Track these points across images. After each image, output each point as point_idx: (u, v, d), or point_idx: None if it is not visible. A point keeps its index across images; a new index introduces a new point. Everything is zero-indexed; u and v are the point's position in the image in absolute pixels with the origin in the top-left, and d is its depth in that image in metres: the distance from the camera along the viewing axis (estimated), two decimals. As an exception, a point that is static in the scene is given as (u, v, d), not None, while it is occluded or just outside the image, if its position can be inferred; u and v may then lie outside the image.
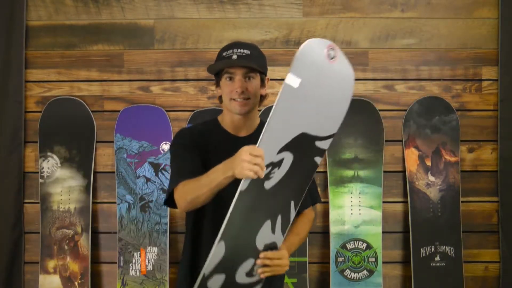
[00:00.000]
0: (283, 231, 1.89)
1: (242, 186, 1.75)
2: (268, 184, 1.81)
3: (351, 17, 3.16)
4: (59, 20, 3.17)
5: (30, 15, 3.16)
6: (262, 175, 1.68)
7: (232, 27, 3.15)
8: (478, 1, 3.15)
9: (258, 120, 2.04)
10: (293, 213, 1.89)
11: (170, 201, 1.94)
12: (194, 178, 1.83)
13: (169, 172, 1.99)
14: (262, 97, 2.01)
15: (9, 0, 3.12)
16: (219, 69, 1.94)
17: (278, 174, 1.81)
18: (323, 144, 1.87)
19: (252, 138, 1.90)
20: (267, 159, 1.73)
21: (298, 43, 3.14)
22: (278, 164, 1.80)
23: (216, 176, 1.75)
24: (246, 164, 1.65)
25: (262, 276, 1.87)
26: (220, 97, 2.00)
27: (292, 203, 1.88)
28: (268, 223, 1.85)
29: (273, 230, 1.86)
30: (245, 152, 1.67)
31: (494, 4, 3.15)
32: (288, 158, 1.81)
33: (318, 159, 1.87)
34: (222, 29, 3.15)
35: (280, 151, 1.79)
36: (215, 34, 3.15)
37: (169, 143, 3.06)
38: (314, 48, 1.77)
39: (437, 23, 3.16)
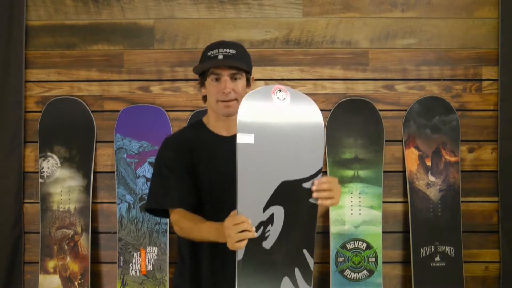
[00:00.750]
0: (308, 282, 1.79)
1: (238, 256, 1.69)
2: (267, 244, 1.73)
3: (351, 17, 3.15)
4: (59, 20, 3.16)
5: (30, 15, 3.16)
6: (255, 235, 1.65)
7: (232, 27, 3.15)
8: (478, 1, 3.15)
9: None
10: (311, 261, 1.79)
11: (151, 210, 1.97)
12: (190, 219, 1.82)
13: (152, 180, 1.95)
14: None
15: (9, 0, 3.12)
16: (205, 69, 1.91)
17: (274, 231, 1.73)
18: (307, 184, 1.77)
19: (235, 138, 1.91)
20: (254, 220, 1.67)
21: (298, 43, 3.15)
22: (269, 221, 1.72)
23: (210, 236, 1.76)
24: (233, 236, 1.63)
25: (321, 202, 1.75)
26: (204, 97, 1.98)
27: (305, 251, 1.78)
28: (286, 280, 1.77)
29: (295, 285, 1.77)
30: (227, 227, 1.65)
31: (494, 4, 3.14)
32: (278, 211, 1.73)
33: (314, 199, 1.77)
34: (222, 29, 3.15)
35: (265, 208, 1.71)
36: (215, 34, 3.14)
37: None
38: (256, 99, 1.72)
39: (437, 23, 3.16)
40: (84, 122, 3.13)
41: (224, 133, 1.96)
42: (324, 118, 3.09)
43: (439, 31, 3.15)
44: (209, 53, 1.92)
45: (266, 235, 1.72)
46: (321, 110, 3.15)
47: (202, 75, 1.95)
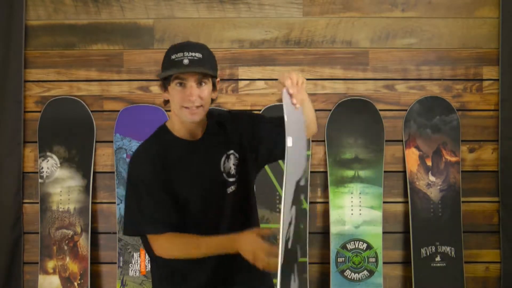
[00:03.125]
0: None
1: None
2: (290, 244, 1.77)
3: (351, 17, 3.15)
4: (58, 19, 3.16)
5: (30, 15, 3.15)
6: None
7: (232, 26, 3.14)
8: (479, 0, 3.14)
9: (206, 120, 1.93)
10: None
11: (131, 232, 1.91)
12: (183, 237, 1.79)
13: (128, 202, 1.86)
14: (212, 100, 1.87)
15: (8, 0, 3.11)
16: (169, 75, 1.78)
17: (291, 231, 1.77)
18: (303, 181, 1.83)
19: (205, 139, 1.87)
20: (288, 223, 1.68)
21: (298, 43, 3.14)
22: (291, 222, 1.77)
23: (216, 251, 1.75)
24: (262, 257, 1.64)
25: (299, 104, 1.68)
26: (166, 101, 1.86)
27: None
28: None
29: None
30: (260, 248, 1.65)
31: (495, 3, 3.13)
32: (293, 211, 1.75)
33: (303, 196, 1.83)
34: (222, 28, 3.14)
35: (291, 210, 1.73)
36: (215, 33, 3.14)
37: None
38: (286, 98, 1.68)
39: (437, 22, 3.15)
40: (84, 122, 3.13)
41: (189, 137, 1.87)
42: (324, 118, 3.13)
43: (440, 30, 3.15)
44: (173, 57, 1.77)
45: (289, 236, 1.74)
46: (321, 110, 3.20)
47: (165, 79, 1.81)
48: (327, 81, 3.15)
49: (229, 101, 3.14)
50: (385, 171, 3.11)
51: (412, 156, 3.12)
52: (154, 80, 3.15)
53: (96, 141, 3.14)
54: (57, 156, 3.12)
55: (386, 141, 3.13)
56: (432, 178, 3.11)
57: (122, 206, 3.06)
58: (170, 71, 1.77)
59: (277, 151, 1.89)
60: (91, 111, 3.14)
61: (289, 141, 1.65)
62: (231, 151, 1.90)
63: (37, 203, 3.11)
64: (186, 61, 1.75)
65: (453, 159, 3.12)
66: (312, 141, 3.11)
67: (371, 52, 3.15)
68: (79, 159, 3.12)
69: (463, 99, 3.16)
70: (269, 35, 3.15)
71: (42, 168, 3.12)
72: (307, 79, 3.10)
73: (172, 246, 1.81)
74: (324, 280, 3.11)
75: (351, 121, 3.11)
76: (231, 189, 1.89)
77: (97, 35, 3.15)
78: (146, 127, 3.07)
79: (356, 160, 3.09)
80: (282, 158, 1.75)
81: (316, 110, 3.09)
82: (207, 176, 1.85)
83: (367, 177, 3.08)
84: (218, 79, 1.88)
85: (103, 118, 3.15)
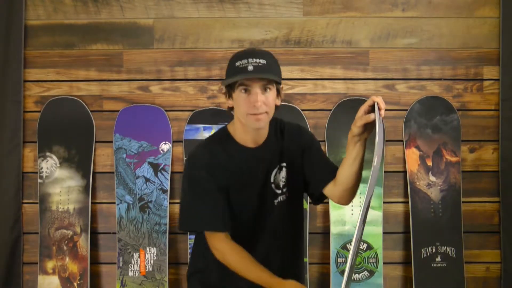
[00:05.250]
0: None
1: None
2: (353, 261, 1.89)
3: (351, 17, 3.14)
4: (58, 19, 3.15)
5: (29, 15, 3.15)
6: None
7: (232, 26, 3.14)
8: (479, 0, 3.14)
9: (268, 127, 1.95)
10: None
11: (189, 228, 1.96)
12: (239, 254, 1.82)
13: (186, 199, 1.89)
14: (277, 107, 1.88)
15: (8, 0, 3.11)
16: (234, 82, 1.79)
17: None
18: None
19: (263, 148, 1.90)
20: (359, 241, 1.75)
21: (299, 43, 3.13)
22: None
23: (262, 284, 1.78)
24: None
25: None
26: (230, 108, 1.88)
27: None
28: None
29: None
30: None
31: (495, 3, 3.13)
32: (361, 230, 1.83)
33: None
34: (222, 28, 3.14)
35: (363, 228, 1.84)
36: (215, 33, 3.13)
37: (168, 142, 3.05)
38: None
39: (438, 22, 3.14)
40: (83, 122, 3.12)
41: (251, 145, 1.90)
42: (324, 118, 3.13)
43: (440, 30, 3.14)
44: (238, 63, 1.79)
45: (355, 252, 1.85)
46: (321, 110, 3.20)
47: (229, 86, 1.83)
48: (327, 81, 3.14)
49: (229, 101, 3.13)
50: (385, 171, 3.10)
51: (412, 156, 3.12)
52: (154, 80, 3.15)
53: (96, 141, 3.14)
54: (56, 156, 3.12)
55: (387, 141, 3.13)
56: (432, 178, 3.10)
57: (122, 206, 3.06)
58: (235, 77, 1.78)
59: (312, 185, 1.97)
60: (91, 111, 3.13)
61: (375, 160, 1.80)
62: (284, 164, 1.93)
63: (37, 203, 3.11)
64: (250, 68, 1.76)
65: (454, 159, 3.11)
66: (312, 141, 3.10)
67: (371, 52, 3.15)
68: (79, 159, 3.11)
69: (463, 99, 3.15)
70: (269, 35, 3.14)
71: (42, 168, 3.11)
72: (307, 79, 3.13)
73: (231, 256, 1.83)
74: (324, 280, 3.11)
75: (351, 121, 3.09)
76: (278, 200, 1.92)
77: (96, 35, 3.15)
78: (146, 127, 3.11)
79: (356, 160, 3.08)
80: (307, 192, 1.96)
81: (316, 110, 3.14)
82: (260, 185, 1.87)
83: (367, 177, 3.06)
84: (282, 85, 1.87)
85: (102, 118, 3.15)
